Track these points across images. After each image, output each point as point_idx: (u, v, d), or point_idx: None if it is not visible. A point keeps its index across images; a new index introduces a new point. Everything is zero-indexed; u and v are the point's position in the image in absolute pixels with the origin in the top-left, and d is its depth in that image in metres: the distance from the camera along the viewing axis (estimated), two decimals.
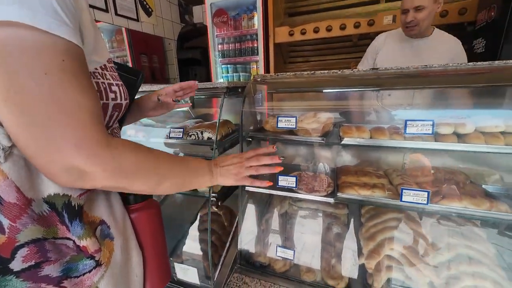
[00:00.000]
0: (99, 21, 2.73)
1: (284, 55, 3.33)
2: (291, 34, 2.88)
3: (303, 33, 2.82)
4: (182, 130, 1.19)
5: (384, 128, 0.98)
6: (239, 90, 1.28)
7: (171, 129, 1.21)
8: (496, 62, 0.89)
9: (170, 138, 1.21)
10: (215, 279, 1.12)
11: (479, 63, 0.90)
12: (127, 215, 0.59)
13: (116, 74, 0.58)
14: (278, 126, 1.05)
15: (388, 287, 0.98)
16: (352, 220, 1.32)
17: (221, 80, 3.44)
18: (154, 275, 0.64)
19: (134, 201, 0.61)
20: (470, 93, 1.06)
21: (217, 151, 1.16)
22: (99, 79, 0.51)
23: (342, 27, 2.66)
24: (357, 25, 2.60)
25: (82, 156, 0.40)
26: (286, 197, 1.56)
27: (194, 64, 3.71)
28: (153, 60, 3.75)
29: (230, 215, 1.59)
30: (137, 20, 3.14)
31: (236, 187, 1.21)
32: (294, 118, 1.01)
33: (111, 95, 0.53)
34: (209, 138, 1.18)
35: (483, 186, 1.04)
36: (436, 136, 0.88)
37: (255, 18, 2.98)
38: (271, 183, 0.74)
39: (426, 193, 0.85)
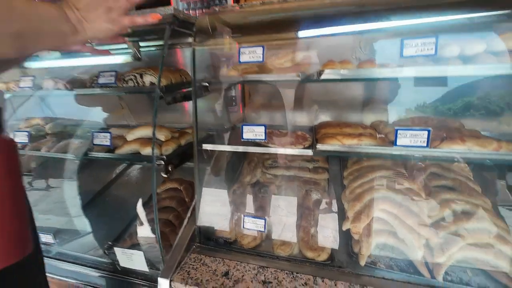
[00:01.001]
0: None
1: None
2: None
3: None
4: (114, 74, 0.89)
5: (373, 60, 0.78)
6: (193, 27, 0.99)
7: (100, 74, 0.91)
8: None
9: (99, 85, 0.90)
10: (165, 263, 0.87)
11: None
12: None
13: None
14: (241, 60, 0.80)
15: (378, 254, 0.81)
16: (332, 185, 1.15)
17: None
18: None
19: None
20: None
21: (163, 102, 0.88)
22: None
23: None
24: None
25: None
26: (258, 164, 1.34)
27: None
28: None
29: (192, 189, 1.34)
30: None
31: (192, 151, 0.95)
32: (261, 48, 0.77)
33: None
34: (152, 84, 0.90)
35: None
36: (437, 63, 0.69)
37: None
38: (158, 16, 0.64)
39: (426, 132, 0.67)
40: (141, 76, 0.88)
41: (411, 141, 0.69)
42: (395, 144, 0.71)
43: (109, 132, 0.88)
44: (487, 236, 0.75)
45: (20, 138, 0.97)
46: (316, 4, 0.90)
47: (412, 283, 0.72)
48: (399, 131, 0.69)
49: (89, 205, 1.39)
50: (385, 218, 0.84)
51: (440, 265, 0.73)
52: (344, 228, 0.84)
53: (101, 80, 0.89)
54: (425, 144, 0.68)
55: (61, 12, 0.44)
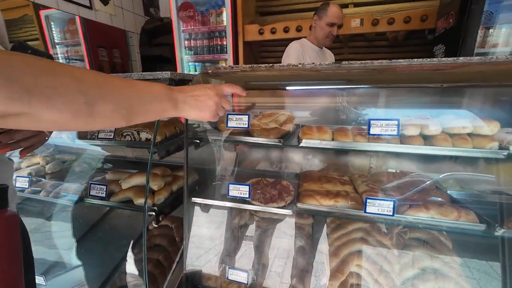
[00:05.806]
0: (45, 8, 2.36)
1: (256, 55, 3.20)
2: (260, 33, 2.77)
3: (273, 32, 2.72)
4: (113, 130, 0.97)
5: (347, 129, 0.87)
6: (189, 84, 1.09)
7: (99, 130, 0.99)
8: (461, 58, 0.82)
9: (98, 139, 0.98)
10: None
11: (443, 59, 0.83)
12: None
13: None
14: (228, 125, 0.88)
15: None
16: (317, 230, 1.20)
17: None
18: None
19: None
20: (436, 92, 1.00)
21: (157, 155, 0.96)
22: None
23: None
24: None
25: None
26: None
27: (162, 62, 3.44)
28: (114, 54, 3.40)
29: (183, 228, 1.39)
30: (90, 7, 2.80)
31: (182, 200, 1.01)
32: (246, 116, 0.86)
33: None
34: (148, 140, 0.98)
35: (448, 192, 0.98)
36: (402, 138, 0.79)
37: (224, 14, 2.83)
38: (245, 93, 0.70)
39: (392, 202, 0.75)
40: (138, 133, 0.96)
41: (379, 209, 0.76)
42: (365, 211, 0.78)
43: (105, 185, 0.95)
44: None
45: (21, 183, 1.04)
46: (299, 69, 1.01)
47: None
48: (368, 200, 0.77)
49: (82, 239, 1.43)
50: (360, 273, 0.89)
51: None
52: (322, 283, 0.89)
53: (101, 135, 0.97)
54: (391, 213, 0.76)
55: (169, 92, 0.51)
